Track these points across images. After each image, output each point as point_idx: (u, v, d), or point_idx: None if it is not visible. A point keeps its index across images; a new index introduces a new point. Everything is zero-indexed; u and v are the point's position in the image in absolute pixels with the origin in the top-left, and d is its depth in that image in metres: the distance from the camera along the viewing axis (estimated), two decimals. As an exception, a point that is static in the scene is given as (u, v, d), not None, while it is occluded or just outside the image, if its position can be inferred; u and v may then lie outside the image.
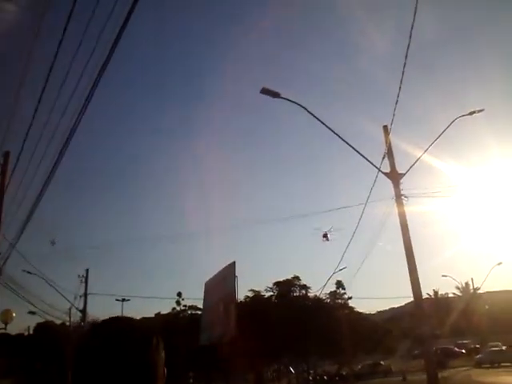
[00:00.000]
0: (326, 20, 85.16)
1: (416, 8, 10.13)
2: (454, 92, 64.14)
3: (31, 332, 60.31)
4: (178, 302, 53.05)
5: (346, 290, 52.61)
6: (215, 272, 22.45)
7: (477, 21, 77.27)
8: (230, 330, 17.79)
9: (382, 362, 48.51)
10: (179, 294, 52.92)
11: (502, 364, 36.80)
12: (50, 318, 42.60)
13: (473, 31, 78.08)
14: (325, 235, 30.83)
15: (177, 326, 42.29)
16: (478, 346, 47.87)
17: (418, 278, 15.32)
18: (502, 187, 26.98)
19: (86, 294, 34.39)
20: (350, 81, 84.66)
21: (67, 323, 49.79)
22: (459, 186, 23.48)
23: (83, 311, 34.88)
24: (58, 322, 52.03)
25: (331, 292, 49.89)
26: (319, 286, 43.27)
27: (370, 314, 55.80)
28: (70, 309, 40.30)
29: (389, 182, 16.60)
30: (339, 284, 52.01)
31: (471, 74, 79.57)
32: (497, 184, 27.10)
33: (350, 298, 53.98)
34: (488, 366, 36.80)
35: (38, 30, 10.60)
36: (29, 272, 31.23)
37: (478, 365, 37.90)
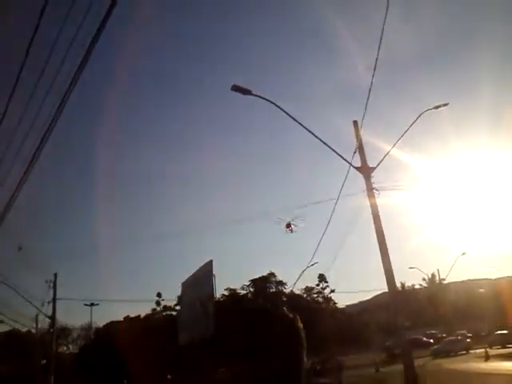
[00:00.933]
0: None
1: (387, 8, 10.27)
2: (420, 89, 65.76)
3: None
4: (157, 303, 52.74)
5: (323, 284, 53.69)
6: (192, 272, 22.42)
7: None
8: (208, 329, 17.73)
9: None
10: (159, 295, 52.59)
11: (459, 353, 37.51)
12: (17, 326, 41.46)
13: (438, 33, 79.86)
14: (288, 225, 30.08)
15: (152, 328, 41.90)
16: (444, 335, 49.19)
17: (391, 270, 15.61)
18: (466, 180, 27.92)
19: (54, 300, 33.46)
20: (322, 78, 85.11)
21: (33, 330, 48.52)
22: (425, 179, 24.18)
23: (52, 317, 33.95)
24: (25, 329, 50.69)
25: (307, 287, 50.64)
26: (299, 281, 43.50)
27: (340, 308, 56.78)
28: (36, 315, 39.30)
29: (360, 177, 16.96)
30: (321, 278, 52.90)
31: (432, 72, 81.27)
32: (460, 177, 28.02)
33: (332, 291, 55.01)
34: (444, 355, 37.08)
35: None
36: (-7, 279, 30.34)
37: (435, 355, 37.84)
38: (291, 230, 30.02)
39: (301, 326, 1.74)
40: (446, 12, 79.57)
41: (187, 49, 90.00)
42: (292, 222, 29.48)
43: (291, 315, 1.79)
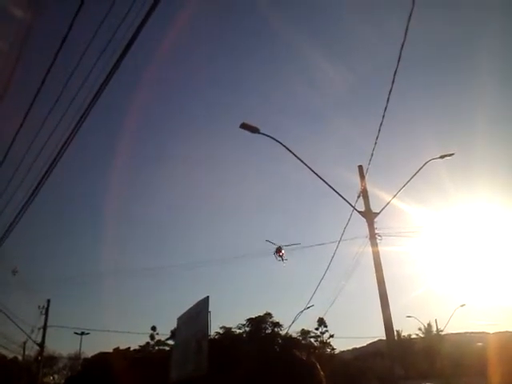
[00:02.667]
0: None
1: (403, 44, 10.52)
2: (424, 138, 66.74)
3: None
4: (151, 337, 51.92)
5: (322, 329, 52.80)
6: (188, 307, 22.14)
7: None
8: (201, 366, 17.34)
9: None
10: (153, 328, 51.84)
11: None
12: (4, 352, 40.58)
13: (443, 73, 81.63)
14: (278, 251, 28.47)
15: (143, 361, 41.09)
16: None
17: (390, 318, 15.42)
18: (467, 232, 27.93)
19: (45, 327, 32.86)
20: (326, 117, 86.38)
21: (20, 357, 47.46)
22: (427, 229, 24.22)
23: (41, 345, 33.24)
24: (11, 356, 49.59)
25: (303, 330, 49.90)
26: (294, 324, 42.86)
27: (334, 354, 55.63)
28: (24, 342, 38.56)
29: (363, 222, 16.98)
30: (321, 322, 52.22)
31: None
32: (462, 228, 28.05)
33: (331, 336, 54.11)
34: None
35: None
36: (-16, 302, 30.00)
37: None
38: (282, 258, 28.87)
39: (322, 373, 1.77)
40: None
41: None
42: (283, 250, 28.56)
43: (311, 361, 1.82)
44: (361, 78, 76.59)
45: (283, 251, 28.32)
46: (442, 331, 51.35)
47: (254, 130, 15.93)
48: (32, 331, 33.58)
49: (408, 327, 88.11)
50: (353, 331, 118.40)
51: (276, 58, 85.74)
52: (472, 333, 65.72)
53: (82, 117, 8.33)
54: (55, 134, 9.80)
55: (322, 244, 28.64)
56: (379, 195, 17.99)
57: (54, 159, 9.84)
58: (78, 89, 8.54)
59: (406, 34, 10.10)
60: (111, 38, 7.26)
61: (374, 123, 15.92)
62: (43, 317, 33.63)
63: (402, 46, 10.48)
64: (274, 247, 28.98)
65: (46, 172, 10.22)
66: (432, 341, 55.42)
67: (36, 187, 11.06)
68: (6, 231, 14.06)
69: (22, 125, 10.19)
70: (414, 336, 65.90)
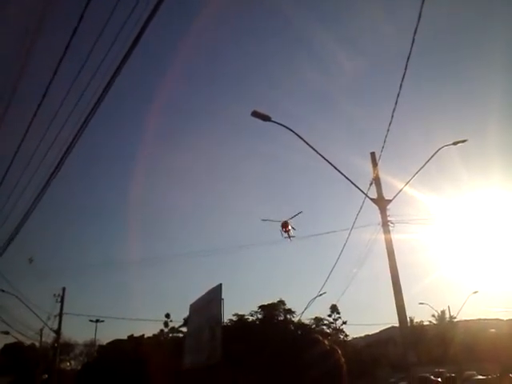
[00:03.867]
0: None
1: (414, 39, 10.39)
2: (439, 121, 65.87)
3: (-2, 354, 58.19)
4: (165, 324, 52.54)
5: (335, 315, 53.10)
6: (200, 295, 22.30)
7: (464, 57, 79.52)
8: (215, 354, 17.52)
9: None
10: (167, 316, 52.44)
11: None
12: (22, 339, 41.41)
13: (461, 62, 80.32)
14: (284, 226, 24.45)
15: (157, 348, 41.63)
16: (453, 374, 48.02)
17: (403, 305, 15.40)
18: (480, 218, 27.73)
19: (61, 314, 33.38)
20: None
21: (37, 344, 48.31)
22: (439, 216, 24.05)
23: (57, 332, 33.82)
24: (29, 342, 50.56)
25: (316, 317, 50.20)
26: (307, 311, 43.00)
27: (347, 341, 55.86)
28: (41, 329, 39.20)
29: (376, 209, 16.90)
30: (334, 308, 52.57)
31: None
32: (474, 215, 27.84)
33: (344, 322, 54.40)
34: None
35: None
36: (2, 290, 30.52)
37: None
38: (288, 234, 25.13)
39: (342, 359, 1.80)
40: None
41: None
42: (290, 225, 24.69)
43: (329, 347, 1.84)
44: (372, 63, 75.95)
45: (290, 226, 24.90)
46: (455, 318, 51.25)
47: (265, 118, 15.82)
48: (48, 318, 34.21)
49: (421, 314, 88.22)
50: (366, 318, 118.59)
51: (287, 44, 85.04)
52: (485, 319, 65.47)
53: (95, 105, 8.39)
54: (67, 125, 9.90)
55: (334, 232, 28.16)
56: (391, 182, 17.89)
57: (68, 148, 9.94)
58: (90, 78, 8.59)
59: (419, 18, 9.94)
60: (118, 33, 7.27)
61: (386, 109, 15.82)
62: (59, 304, 34.20)
63: (415, 31, 10.33)
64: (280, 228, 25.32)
65: (63, 156, 10.31)
66: (445, 327, 55.35)
67: (51, 175, 11.18)
68: (21, 220, 14.27)
69: (35, 114, 10.28)
70: (426, 323, 65.94)
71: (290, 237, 25.15)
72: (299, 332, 42.49)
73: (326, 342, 1.87)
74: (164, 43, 76.81)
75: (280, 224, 25.05)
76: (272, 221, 25.34)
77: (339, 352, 1.87)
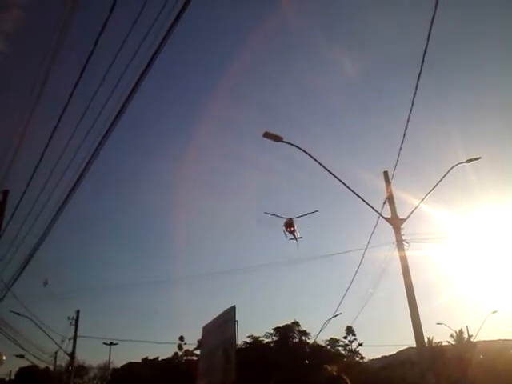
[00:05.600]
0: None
1: (425, 51, 10.42)
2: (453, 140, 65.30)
3: (13, 377, 58.20)
4: (179, 347, 52.16)
5: (350, 337, 52.35)
6: (214, 316, 22.18)
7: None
8: (229, 377, 17.33)
9: None
10: (181, 338, 52.05)
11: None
12: (37, 362, 41.35)
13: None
14: (288, 226, 21.61)
15: (171, 371, 41.35)
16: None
17: (420, 325, 15.16)
18: (497, 236, 27.29)
19: (75, 337, 33.37)
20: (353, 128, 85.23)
21: (51, 367, 48.23)
22: (455, 233, 23.77)
23: (72, 355, 33.75)
24: (43, 366, 50.50)
25: (331, 339, 49.56)
26: (322, 332, 42.48)
27: (362, 363, 54.96)
28: (56, 352, 39.17)
29: (389, 228, 16.79)
30: (349, 330, 51.90)
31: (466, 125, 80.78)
32: (491, 232, 27.41)
33: (360, 344, 53.59)
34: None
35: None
36: (18, 313, 30.64)
37: None
38: (294, 235, 22.72)
39: None
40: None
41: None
42: (295, 224, 22.19)
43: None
44: (378, 75, 75.86)
45: (295, 227, 21.92)
46: (473, 338, 50.14)
47: (277, 138, 15.92)
48: (62, 341, 34.20)
49: (439, 334, 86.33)
50: (382, 339, 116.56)
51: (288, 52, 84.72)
52: (505, 340, 63.91)
53: (108, 130, 8.53)
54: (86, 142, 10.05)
55: (349, 251, 27.90)
56: (405, 198, 17.79)
57: (84, 167, 10.10)
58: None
59: (431, 25, 9.95)
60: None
61: (398, 125, 15.77)
62: (73, 327, 34.23)
63: (425, 50, 10.37)
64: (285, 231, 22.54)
65: (79, 177, 10.44)
66: (464, 348, 54.11)
67: (65, 198, 11.33)
68: (36, 243, 14.44)
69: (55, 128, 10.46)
70: (445, 343, 64.54)
71: (296, 238, 22.44)
72: (313, 354, 41.86)
73: (335, 369, 1.87)
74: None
75: (283, 223, 22.42)
76: (276, 216, 22.76)
77: (345, 378, 1.86)
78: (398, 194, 17.44)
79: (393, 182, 16.77)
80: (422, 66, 10.74)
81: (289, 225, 22.08)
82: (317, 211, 22.50)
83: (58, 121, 9.97)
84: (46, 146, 11.04)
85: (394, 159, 15.54)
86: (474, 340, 51.21)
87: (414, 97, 12.41)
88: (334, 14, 74.36)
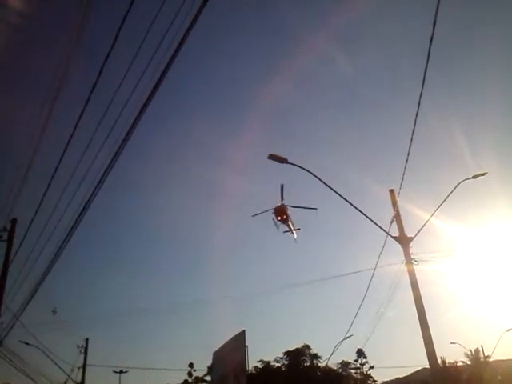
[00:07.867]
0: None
1: (427, 64, 10.47)
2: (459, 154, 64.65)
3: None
4: (189, 374, 51.36)
5: (361, 360, 51.53)
6: (223, 342, 21.90)
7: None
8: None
9: None
10: (191, 365, 51.23)
11: None
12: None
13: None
14: (279, 212, 18.22)
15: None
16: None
17: (432, 344, 14.87)
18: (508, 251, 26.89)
19: (84, 366, 33.01)
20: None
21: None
22: (465, 249, 23.46)
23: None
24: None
25: (343, 361, 48.79)
26: (333, 355, 41.76)
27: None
28: (65, 382, 38.68)
29: (396, 245, 16.62)
30: (360, 353, 51.02)
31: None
32: (503, 247, 27.02)
33: (371, 367, 52.56)
34: None
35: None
36: (26, 343, 30.39)
37: None
38: (289, 226, 20.30)
39: None
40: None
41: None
42: (289, 213, 19.71)
43: None
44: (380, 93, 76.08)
45: (289, 216, 18.65)
46: (490, 357, 49.00)
47: (282, 160, 15.88)
48: (72, 370, 33.75)
49: (453, 354, 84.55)
50: (395, 360, 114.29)
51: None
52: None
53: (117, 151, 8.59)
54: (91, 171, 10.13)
55: (358, 272, 27.69)
56: (412, 213, 17.62)
57: (93, 192, 10.14)
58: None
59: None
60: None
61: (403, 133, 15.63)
62: (82, 356, 33.88)
63: (427, 66, 10.38)
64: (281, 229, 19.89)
65: (88, 202, 10.47)
66: (479, 368, 52.86)
67: (72, 228, 11.38)
68: (46, 268, 14.44)
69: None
70: (460, 363, 63.14)
71: (292, 230, 19.49)
72: (325, 379, 41.14)
73: None
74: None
75: (272, 210, 19.23)
76: (264, 212, 19.81)
77: None
78: (404, 205, 17.25)
79: (401, 192, 16.52)
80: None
81: (280, 212, 18.96)
82: (316, 209, 20.69)
83: (65, 149, 10.12)
84: (53, 176, 11.17)
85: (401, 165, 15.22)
86: (490, 359, 50.01)
87: (416, 115, 12.41)
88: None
